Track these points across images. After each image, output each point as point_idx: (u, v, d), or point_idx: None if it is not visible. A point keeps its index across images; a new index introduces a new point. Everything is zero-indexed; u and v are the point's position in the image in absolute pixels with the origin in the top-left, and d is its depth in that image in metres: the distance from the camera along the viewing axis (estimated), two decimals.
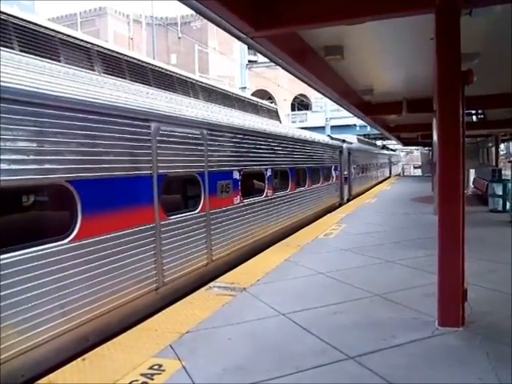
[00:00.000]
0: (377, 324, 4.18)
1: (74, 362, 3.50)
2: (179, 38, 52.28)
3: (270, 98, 51.84)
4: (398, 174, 45.64)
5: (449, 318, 3.99)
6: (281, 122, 11.82)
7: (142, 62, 6.16)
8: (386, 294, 5.03)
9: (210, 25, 4.92)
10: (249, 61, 26.48)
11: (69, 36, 4.86)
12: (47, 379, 3.24)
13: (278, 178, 9.70)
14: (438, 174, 4.08)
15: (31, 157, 3.62)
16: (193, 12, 4.39)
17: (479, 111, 14.50)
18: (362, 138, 28.47)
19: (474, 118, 15.16)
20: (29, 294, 3.50)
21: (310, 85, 8.51)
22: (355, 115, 15.87)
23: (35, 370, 3.55)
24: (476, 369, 3.25)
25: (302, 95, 47.03)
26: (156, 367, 3.36)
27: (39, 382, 3.22)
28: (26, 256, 3.51)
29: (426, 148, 33.77)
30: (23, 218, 4.06)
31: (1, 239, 3.45)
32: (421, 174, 39.65)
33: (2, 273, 3.30)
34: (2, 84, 3.38)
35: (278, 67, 7.20)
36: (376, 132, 29.62)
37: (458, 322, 3.96)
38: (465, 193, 4.06)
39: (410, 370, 3.29)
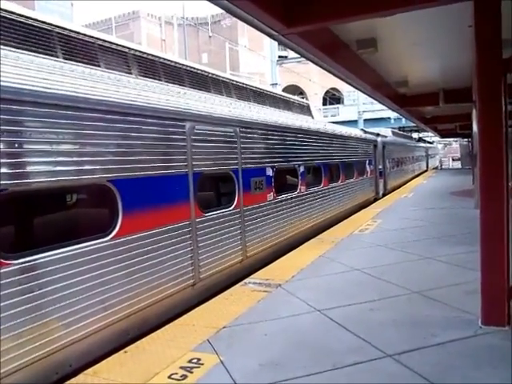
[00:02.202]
0: (415, 322, 4.09)
1: (116, 354, 3.65)
2: (210, 37, 52.83)
3: (301, 92, 51.49)
4: (436, 167, 44.13)
5: (493, 316, 3.83)
6: (313, 118, 11.71)
7: (175, 63, 6.29)
8: (424, 291, 4.90)
9: (240, 22, 4.96)
10: (279, 56, 26.37)
11: (106, 42, 5.04)
12: (92, 370, 3.40)
13: (311, 173, 9.64)
14: (479, 167, 3.92)
15: (74, 158, 3.79)
16: (223, 11, 4.44)
17: None
18: (396, 131, 27.72)
19: None
20: (75, 289, 3.66)
21: (342, 79, 8.39)
22: (389, 108, 15.49)
23: (82, 361, 3.73)
24: None
25: (333, 89, 46.39)
26: (195, 361, 3.45)
27: (85, 372, 3.39)
28: (73, 252, 3.69)
29: (466, 139, 32.46)
30: (68, 216, 4.25)
31: (48, 236, 3.65)
32: (460, 166, 38.16)
33: (51, 268, 3.48)
34: (49, 91, 3.56)
35: (308, 62, 7.14)
36: (411, 124, 28.80)
37: (503, 321, 3.79)
38: (509, 185, 3.88)
39: (452, 369, 3.19)
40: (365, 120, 30.16)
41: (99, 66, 4.79)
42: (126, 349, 3.76)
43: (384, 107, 16.97)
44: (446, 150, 61.88)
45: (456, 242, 7.39)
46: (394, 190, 18.71)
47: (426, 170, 35.84)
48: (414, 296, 4.80)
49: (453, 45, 6.89)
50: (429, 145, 44.43)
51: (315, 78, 41.38)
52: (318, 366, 3.31)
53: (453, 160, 51.62)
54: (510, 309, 3.85)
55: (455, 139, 46.17)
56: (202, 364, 3.40)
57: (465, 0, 3.97)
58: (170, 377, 3.22)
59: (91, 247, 3.86)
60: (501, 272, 3.78)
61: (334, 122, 16.99)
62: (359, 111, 30.23)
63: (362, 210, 12.48)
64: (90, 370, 3.39)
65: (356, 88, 10.19)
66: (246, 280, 5.72)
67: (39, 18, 4.24)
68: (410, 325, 4.02)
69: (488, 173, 3.85)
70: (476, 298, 3.97)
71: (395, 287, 5.12)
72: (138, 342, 3.89)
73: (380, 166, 16.70)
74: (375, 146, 16.07)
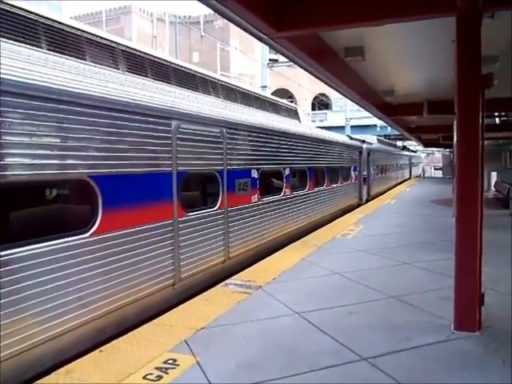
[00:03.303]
0: (392, 326, 4.16)
1: (91, 354, 3.60)
2: (201, 36, 52.62)
3: (291, 96, 51.64)
4: (419, 176, 44.85)
5: (465, 322, 3.94)
6: (300, 122, 11.80)
7: (164, 60, 6.26)
8: (401, 296, 4.99)
9: (232, 24, 4.97)
10: (270, 59, 26.40)
11: (94, 35, 4.98)
12: (65, 369, 3.33)
13: (296, 177, 9.70)
14: (457, 176, 4.03)
15: (55, 152, 3.73)
16: None
17: (502, 113, 14.13)
18: (382, 138, 28.10)
19: (497, 120, 14.78)
20: (50, 285, 3.60)
21: (330, 85, 8.47)
22: (376, 116, 15.69)
23: (54, 360, 3.65)
24: (493, 375, 3.20)
25: (322, 94, 46.69)
26: (170, 362, 3.43)
27: (58, 371, 3.32)
28: (50, 248, 3.62)
29: (448, 150, 33.11)
30: (47, 210, 4.18)
31: (25, 231, 3.58)
32: (442, 175, 38.90)
33: (26, 264, 3.41)
34: (29, 81, 3.49)
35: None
36: (397, 133, 29.16)
37: (474, 327, 3.91)
38: (483, 195, 3.99)
39: (425, 373, 3.27)
40: (352, 126, 30.43)
41: (85, 59, 4.74)
42: (102, 348, 3.70)
43: (371, 115, 17.20)
44: (429, 159, 63.09)
45: (435, 249, 7.54)
46: (377, 196, 18.96)
47: (409, 178, 36.40)
48: (392, 301, 4.89)
49: (438, 57, 7.04)
50: (412, 153, 45.13)
51: (305, 83, 41.60)
52: (294, 368, 3.34)
53: (435, 169, 52.64)
54: (481, 315, 3.96)
55: (438, 149, 47.01)
56: (178, 365, 3.38)
57: (448, 16, 4.07)
58: (144, 377, 3.19)
59: (70, 243, 3.81)
60: (473, 278, 3.90)
61: (321, 127, 17.14)
62: (346, 118, 30.49)
63: (346, 215, 12.60)
64: (62, 369, 3.32)
65: (343, 95, 10.29)
66: (227, 281, 5.72)
67: (24, 8, 4.17)
68: (386, 329, 4.10)
69: (464, 183, 3.96)
70: (450, 304, 4.06)
71: (374, 292, 5.19)
72: (114, 342, 3.84)
73: (364, 173, 16.91)
74: (360, 152, 16.26)
